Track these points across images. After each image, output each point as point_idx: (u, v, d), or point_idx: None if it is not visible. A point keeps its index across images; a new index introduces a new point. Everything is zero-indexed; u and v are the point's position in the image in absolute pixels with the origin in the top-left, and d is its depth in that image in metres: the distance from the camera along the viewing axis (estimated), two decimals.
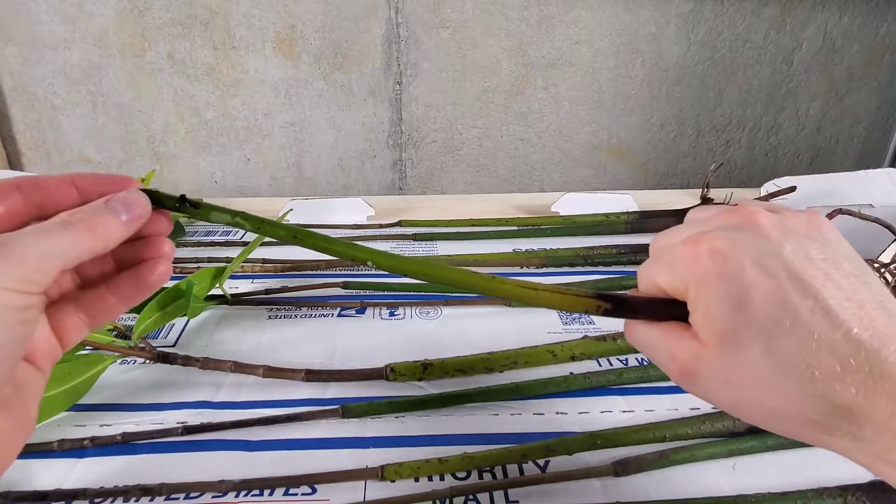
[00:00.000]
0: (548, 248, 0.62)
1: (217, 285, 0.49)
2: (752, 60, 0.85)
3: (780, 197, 0.64)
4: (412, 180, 0.89)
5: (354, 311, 0.51)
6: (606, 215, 0.69)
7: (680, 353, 0.22)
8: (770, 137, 0.92)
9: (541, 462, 0.35)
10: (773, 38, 0.84)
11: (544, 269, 0.59)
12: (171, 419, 0.38)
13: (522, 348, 0.44)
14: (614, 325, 0.47)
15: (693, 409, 0.39)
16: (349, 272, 0.58)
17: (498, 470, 0.35)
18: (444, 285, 0.25)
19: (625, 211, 0.70)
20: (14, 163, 0.83)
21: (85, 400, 0.39)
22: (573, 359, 0.44)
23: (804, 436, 0.21)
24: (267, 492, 0.33)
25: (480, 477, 0.34)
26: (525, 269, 0.59)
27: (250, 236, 0.66)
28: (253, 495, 0.33)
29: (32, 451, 0.36)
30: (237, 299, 0.51)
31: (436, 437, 0.37)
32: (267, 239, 0.52)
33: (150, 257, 0.23)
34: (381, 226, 0.68)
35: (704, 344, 0.21)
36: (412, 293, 0.53)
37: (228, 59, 0.79)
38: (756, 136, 0.91)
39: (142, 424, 0.38)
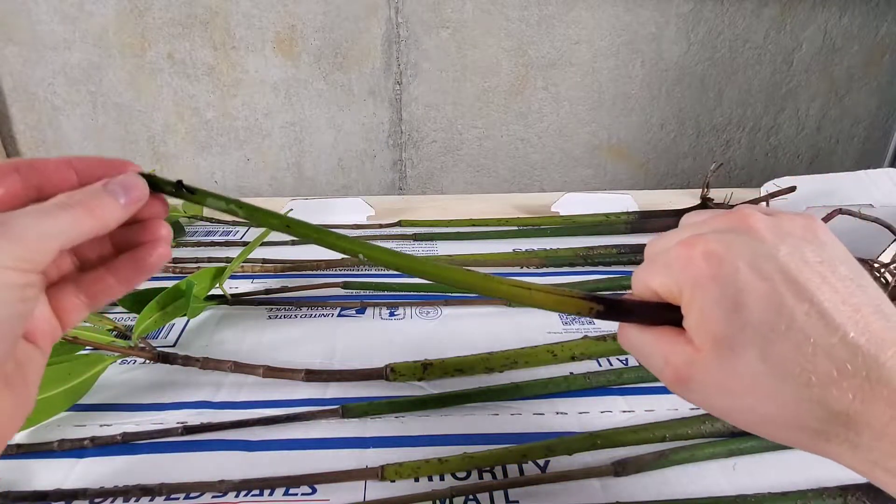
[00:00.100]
0: (548, 248, 0.62)
1: (217, 285, 0.49)
2: (752, 60, 0.85)
3: (780, 197, 0.64)
4: (412, 180, 0.89)
5: (354, 311, 0.51)
6: (606, 215, 0.69)
7: (674, 358, 0.22)
8: (770, 137, 0.92)
9: (541, 462, 0.35)
10: (773, 38, 0.84)
11: (544, 269, 0.59)
12: (171, 419, 0.38)
13: (522, 348, 0.44)
14: (614, 325, 0.47)
15: (693, 409, 0.39)
16: (349, 272, 0.58)
17: (498, 470, 0.35)
18: (436, 282, 0.25)
19: (625, 211, 0.70)
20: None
21: (85, 400, 0.39)
22: (573, 359, 0.44)
23: (800, 443, 0.20)
24: (267, 492, 0.33)
25: (480, 477, 0.34)
26: (525, 269, 0.59)
27: (250, 236, 0.66)
28: (253, 495, 0.33)
29: (32, 451, 0.36)
30: (237, 299, 0.51)
31: (436, 437, 0.37)
32: (267, 239, 0.52)
33: (148, 240, 0.24)
34: (381, 226, 0.68)
35: (699, 349, 0.21)
36: (412, 293, 0.53)
37: (228, 59, 0.79)
38: (756, 136, 0.91)
39: (142, 424, 0.38)
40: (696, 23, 0.82)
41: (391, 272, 0.58)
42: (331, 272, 0.58)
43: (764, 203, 0.65)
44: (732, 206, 0.65)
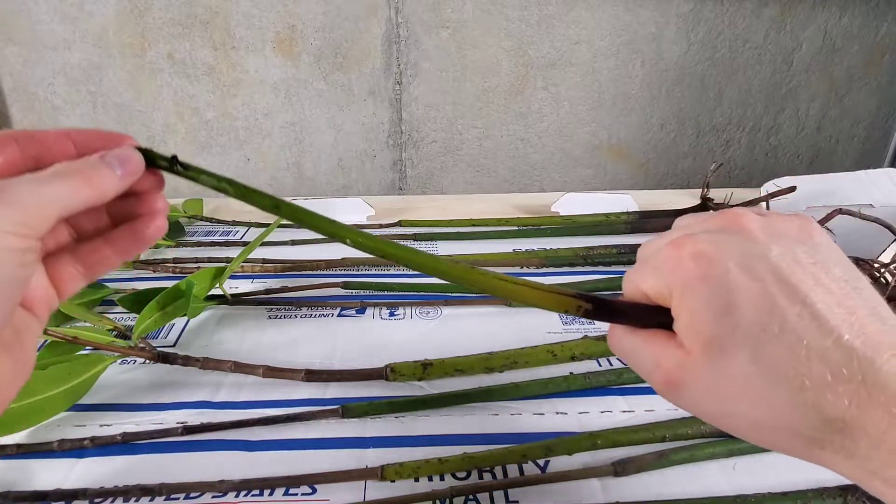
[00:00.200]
0: (548, 248, 0.62)
1: (217, 285, 0.49)
2: (752, 60, 0.85)
3: (780, 197, 0.64)
4: (412, 180, 0.89)
5: (354, 311, 0.51)
6: (606, 215, 0.69)
7: (664, 362, 0.21)
8: (770, 137, 0.92)
9: (541, 462, 0.35)
10: (773, 38, 0.84)
11: (544, 269, 0.59)
12: (171, 419, 0.38)
13: (522, 348, 0.44)
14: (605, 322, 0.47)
15: None
16: (349, 272, 0.58)
17: (498, 470, 0.35)
18: (419, 271, 0.24)
19: (625, 211, 0.70)
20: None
21: (85, 400, 0.39)
22: (573, 359, 0.44)
23: (794, 450, 0.20)
24: (267, 492, 0.33)
25: (480, 477, 0.34)
26: (525, 269, 0.59)
27: (250, 236, 0.66)
28: (253, 495, 0.33)
29: (32, 451, 0.36)
30: (237, 299, 0.51)
31: (436, 437, 0.37)
32: (267, 239, 0.52)
33: (146, 212, 0.24)
34: (381, 226, 0.68)
35: (689, 351, 0.21)
36: (412, 293, 0.53)
37: (228, 59, 0.79)
38: (756, 136, 0.91)
39: (142, 424, 0.38)
40: (696, 23, 0.82)
41: (391, 272, 0.58)
42: (331, 272, 0.58)
43: (763, 203, 0.65)
44: (733, 207, 0.65)
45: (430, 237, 0.65)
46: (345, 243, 0.24)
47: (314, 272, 0.57)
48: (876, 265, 0.51)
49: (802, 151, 0.93)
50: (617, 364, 0.44)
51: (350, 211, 0.70)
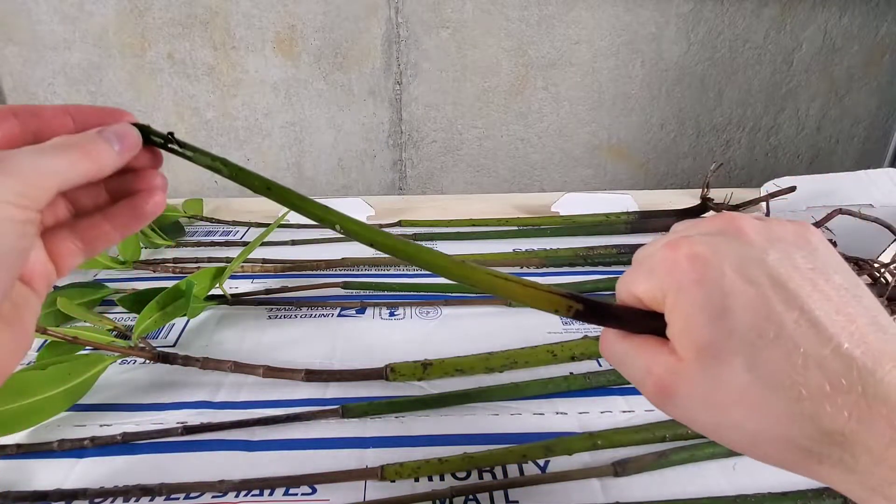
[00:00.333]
0: (548, 248, 0.62)
1: (217, 285, 0.49)
2: (752, 60, 0.85)
3: (780, 197, 0.64)
4: (412, 180, 0.89)
5: (354, 311, 0.51)
6: (606, 215, 0.69)
7: (656, 368, 0.21)
8: (770, 137, 0.92)
9: (541, 462, 0.35)
10: (773, 38, 0.84)
11: (544, 269, 0.59)
12: (171, 419, 0.38)
13: (522, 348, 0.44)
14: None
15: None
16: (349, 272, 0.58)
17: (498, 470, 0.35)
18: (408, 261, 0.24)
19: (625, 211, 0.70)
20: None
21: (85, 400, 0.39)
22: (573, 359, 0.44)
23: (790, 463, 0.19)
24: (267, 492, 0.33)
25: (480, 477, 0.34)
26: (525, 269, 0.59)
27: (250, 236, 0.66)
28: (253, 495, 0.33)
29: (32, 451, 0.36)
30: (237, 299, 0.51)
31: (436, 437, 0.37)
32: (267, 239, 0.52)
33: (145, 188, 0.24)
34: (381, 226, 0.67)
35: (682, 358, 0.20)
36: (412, 293, 0.53)
37: (228, 59, 0.79)
38: (756, 136, 0.91)
39: (142, 424, 0.38)
40: (696, 23, 0.82)
41: (391, 272, 0.58)
42: (331, 272, 0.58)
43: (763, 203, 0.65)
44: (733, 207, 0.65)
45: (430, 237, 0.65)
46: (333, 229, 0.24)
47: (314, 272, 0.57)
48: (876, 265, 0.51)
49: (802, 151, 0.93)
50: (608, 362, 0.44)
51: (350, 211, 0.69)
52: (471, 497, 0.33)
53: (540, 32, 0.81)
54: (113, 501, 0.32)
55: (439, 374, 0.42)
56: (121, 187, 0.24)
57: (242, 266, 0.57)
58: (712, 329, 0.19)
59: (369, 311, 0.51)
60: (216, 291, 0.49)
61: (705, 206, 0.67)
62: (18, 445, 0.36)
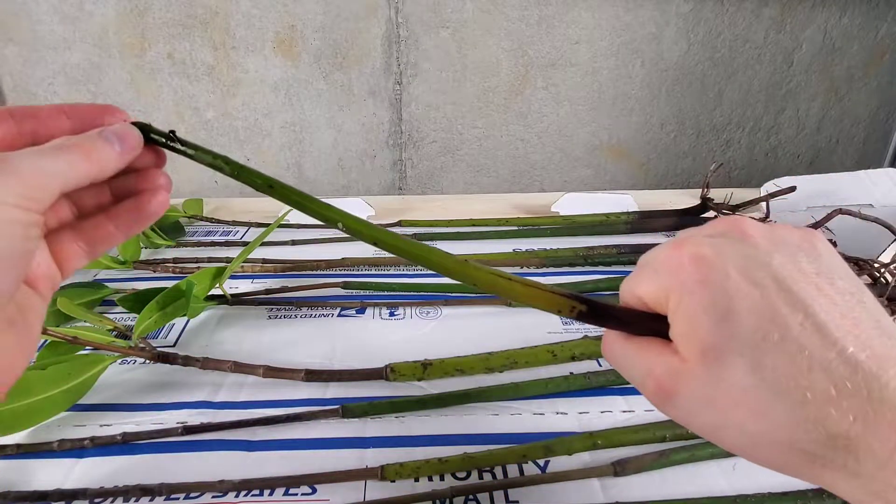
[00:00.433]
0: (548, 248, 0.62)
1: (217, 285, 0.49)
2: (752, 60, 0.85)
3: (780, 197, 0.64)
4: (412, 180, 0.89)
5: (354, 311, 0.51)
6: (606, 215, 0.69)
7: (657, 370, 0.21)
8: (770, 137, 0.92)
9: (541, 462, 0.35)
10: (773, 38, 0.84)
11: (544, 269, 0.59)
12: (171, 419, 0.38)
13: (522, 348, 0.44)
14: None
15: None
16: (349, 272, 0.58)
17: (498, 470, 0.35)
18: (414, 261, 0.24)
19: (625, 211, 0.70)
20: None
21: (85, 400, 0.39)
22: (573, 359, 0.44)
23: (793, 468, 0.19)
24: (267, 492, 0.33)
25: (480, 477, 0.34)
26: (525, 269, 0.59)
27: (250, 236, 0.66)
28: (253, 495, 0.33)
29: (32, 451, 0.36)
30: (237, 299, 0.51)
31: (436, 437, 0.37)
32: (267, 239, 0.52)
33: (148, 188, 0.24)
34: (381, 226, 0.68)
35: (685, 359, 0.20)
36: (412, 293, 0.53)
37: (228, 59, 0.79)
38: (756, 136, 0.91)
39: (142, 424, 0.38)
40: (696, 23, 0.82)
41: (391, 272, 0.58)
42: (331, 272, 0.58)
43: (763, 203, 0.65)
44: (733, 207, 0.65)
45: (430, 237, 0.65)
46: (336, 227, 0.24)
47: (314, 272, 0.57)
48: (876, 265, 0.51)
49: (802, 151, 0.93)
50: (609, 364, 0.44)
51: (350, 211, 0.69)
52: (471, 497, 0.33)
53: (540, 32, 0.81)
54: (113, 501, 0.32)
55: (439, 374, 0.42)
56: (124, 187, 0.24)
57: (242, 266, 0.57)
58: (716, 330, 0.19)
59: (369, 311, 0.51)
60: (216, 291, 0.49)
61: (705, 206, 0.67)
62: (18, 445, 0.36)
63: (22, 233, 0.19)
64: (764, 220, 0.63)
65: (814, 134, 0.92)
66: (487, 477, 0.34)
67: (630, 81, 0.85)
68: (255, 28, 0.78)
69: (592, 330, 0.47)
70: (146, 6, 0.76)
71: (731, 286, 0.19)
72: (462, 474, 0.35)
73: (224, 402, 0.40)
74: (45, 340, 0.41)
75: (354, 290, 0.54)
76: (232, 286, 0.54)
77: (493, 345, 0.45)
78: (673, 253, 0.21)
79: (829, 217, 0.55)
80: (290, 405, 0.40)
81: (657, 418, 0.38)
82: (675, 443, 0.36)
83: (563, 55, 0.82)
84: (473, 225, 0.68)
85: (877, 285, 0.51)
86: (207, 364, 0.41)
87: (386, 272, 0.58)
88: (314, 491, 0.33)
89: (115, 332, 0.44)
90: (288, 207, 0.24)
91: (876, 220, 0.53)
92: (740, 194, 0.69)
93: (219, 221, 0.69)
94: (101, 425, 0.38)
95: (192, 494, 0.33)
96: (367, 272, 0.58)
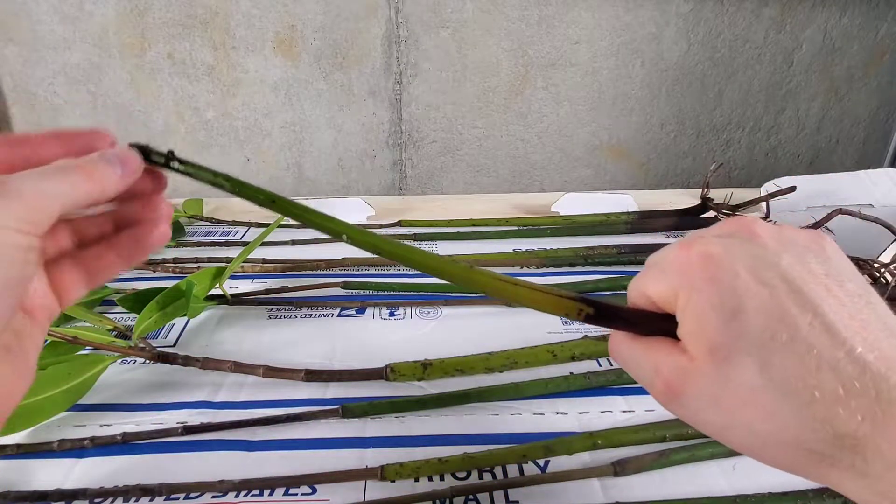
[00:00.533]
0: (548, 248, 0.62)
1: (217, 285, 0.49)
2: (752, 60, 0.85)
3: (780, 197, 0.64)
4: (412, 180, 0.89)
5: (354, 311, 0.51)
6: (606, 215, 0.69)
7: (665, 368, 0.21)
8: (770, 137, 0.92)
9: (541, 462, 0.35)
10: (773, 38, 0.84)
11: (544, 269, 0.59)
12: (171, 419, 0.38)
13: (522, 348, 0.44)
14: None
15: None
16: (349, 272, 0.58)
17: (498, 470, 0.35)
18: (419, 270, 0.24)
19: (625, 211, 0.70)
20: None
21: (85, 400, 0.39)
22: (573, 359, 0.44)
23: (800, 467, 0.19)
24: (267, 492, 0.33)
25: (480, 477, 0.34)
26: (525, 269, 0.59)
27: (250, 236, 0.66)
28: (253, 495, 0.33)
29: (32, 451, 0.36)
30: (237, 299, 0.51)
31: (436, 437, 0.37)
32: (267, 239, 0.52)
33: (150, 217, 0.24)
34: (381, 226, 0.68)
35: (693, 358, 0.20)
36: (412, 293, 0.53)
37: (228, 59, 0.79)
38: (756, 136, 0.91)
39: (142, 424, 0.38)
40: (696, 23, 0.82)
41: (391, 272, 0.58)
42: (331, 272, 0.58)
43: (763, 203, 0.65)
44: (733, 207, 0.65)
45: (430, 237, 0.65)
46: (342, 239, 0.23)
47: (314, 272, 0.57)
48: (876, 265, 0.51)
49: (802, 151, 0.93)
50: (617, 364, 0.44)
51: (350, 211, 0.70)
52: (471, 497, 0.33)
53: (540, 32, 0.81)
54: (113, 501, 0.32)
55: (439, 374, 0.42)
56: (126, 215, 0.24)
57: (242, 266, 0.57)
58: (724, 329, 0.19)
59: (369, 311, 0.51)
60: (216, 291, 0.49)
61: (705, 206, 0.67)
62: (18, 445, 0.36)
63: (21, 257, 0.19)
64: (765, 220, 0.63)
65: (814, 134, 0.92)
66: (487, 477, 0.34)
67: (630, 81, 0.85)
68: (255, 28, 0.78)
69: (592, 330, 0.47)
70: (146, 6, 0.76)
71: (740, 285, 0.19)
72: (462, 474, 0.34)
73: (224, 402, 0.40)
74: (46, 340, 0.41)
75: (354, 290, 0.54)
76: (232, 286, 0.54)
77: (493, 345, 0.45)
78: (682, 252, 0.21)
79: (829, 217, 0.55)
80: (290, 405, 0.40)
81: (657, 418, 0.38)
82: (675, 443, 0.36)
83: (563, 55, 0.82)
84: (473, 225, 0.68)
85: (877, 285, 0.51)
86: (207, 364, 0.41)
87: (386, 272, 0.58)
88: (314, 491, 0.33)
89: (115, 332, 0.44)
90: None
91: (876, 220, 0.53)
92: (740, 194, 0.69)
93: (219, 221, 0.69)
94: (101, 425, 0.38)
95: (192, 494, 0.33)
96: (367, 272, 0.58)
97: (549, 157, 0.90)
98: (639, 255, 0.60)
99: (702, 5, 0.81)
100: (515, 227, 0.67)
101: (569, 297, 0.23)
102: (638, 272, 0.23)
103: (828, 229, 0.54)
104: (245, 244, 0.62)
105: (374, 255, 0.24)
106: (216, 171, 0.23)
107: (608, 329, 0.24)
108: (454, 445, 0.36)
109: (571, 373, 0.43)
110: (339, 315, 0.50)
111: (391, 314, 0.51)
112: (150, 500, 0.32)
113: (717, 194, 0.68)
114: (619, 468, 0.34)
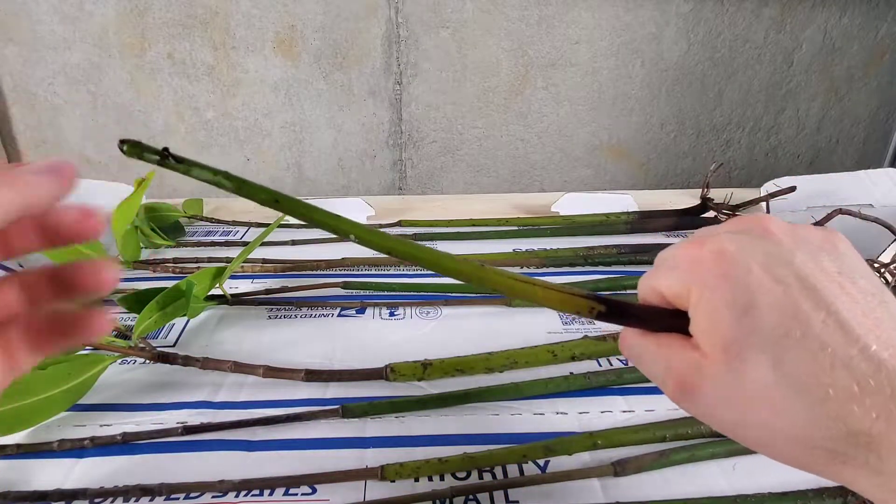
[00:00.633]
0: (548, 248, 0.62)
1: (217, 285, 0.49)
2: (752, 60, 0.85)
3: (780, 197, 0.64)
4: (412, 180, 0.89)
5: (354, 311, 0.51)
6: (606, 215, 0.69)
7: (677, 365, 0.21)
8: (770, 137, 0.92)
9: (541, 462, 0.35)
10: (773, 38, 0.84)
11: (544, 269, 0.59)
12: (171, 419, 0.38)
13: (522, 348, 0.44)
14: (615, 324, 0.47)
15: None
16: (349, 272, 0.58)
17: (498, 470, 0.35)
18: (431, 269, 0.23)
19: (625, 211, 0.70)
20: (14, 163, 0.83)
21: (85, 400, 0.39)
22: (573, 359, 0.44)
23: (813, 465, 0.19)
24: (267, 492, 0.33)
25: (480, 477, 0.34)
26: (525, 269, 0.59)
27: (250, 236, 0.66)
28: (253, 495, 0.33)
29: (32, 451, 0.36)
30: (237, 299, 0.51)
31: (436, 437, 0.37)
32: (267, 239, 0.52)
33: (89, 314, 0.21)
34: (381, 226, 0.68)
35: (705, 354, 0.20)
36: (412, 293, 0.53)
37: (228, 59, 0.79)
38: (756, 136, 0.91)
39: (142, 424, 0.38)
40: (696, 23, 0.82)
41: (391, 272, 0.58)
42: (331, 272, 0.58)
43: (763, 203, 0.65)
44: (733, 207, 0.65)
45: (431, 237, 0.65)
46: (349, 239, 0.23)
47: (314, 272, 0.57)
48: (876, 265, 0.51)
49: (802, 151, 0.93)
50: (617, 364, 0.44)
51: (350, 211, 0.70)
52: (471, 497, 0.33)
53: (540, 32, 0.81)
54: (113, 501, 0.32)
55: (439, 374, 0.42)
56: (72, 284, 0.21)
57: (242, 266, 0.57)
58: (738, 326, 0.19)
59: (369, 311, 0.51)
60: (216, 291, 0.49)
61: (705, 206, 0.67)
62: (18, 445, 0.36)
63: None
64: None
65: (814, 134, 0.92)
66: (487, 477, 0.34)
67: (630, 81, 0.85)
68: (255, 28, 0.78)
69: (592, 330, 0.47)
70: (146, 6, 0.76)
71: (753, 282, 0.19)
72: (462, 474, 0.34)
73: (224, 402, 0.40)
74: None
75: (354, 290, 0.54)
76: (232, 286, 0.54)
77: (493, 345, 0.45)
78: (694, 248, 0.21)
79: (829, 217, 0.55)
80: (290, 405, 0.40)
81: (657, 418, 0.38)
82: (675, 443, 0.36)
83: (563, 55, 0.82)
84: (473, 225, 0.68)
85: None
86: (207, 364, 0.41)
87: (386, 272, 0.58)
88: (314, 491, 0.33)
89: (115, 332, 0.44)
90: None
91: (876, 220, 0.53)
92: (740, 194, 0.69)
93: (219, 221, 0.69)
94: (101, 425, 0.38)
95: (192, 494, 0.33)
96: (367, 272, 0.58)
97: (549, 157, 0.90)
98: (639, 255, 0.60)
99: (702, 5, 0.81)
100: (515, 227, 0.67)
101: (581, 294, 0.23)
102: (638, 272, 0.23)
103: None
104: (245, 244, 0.62)
105: (384, 254, 0.23)
106: (215, 169, 0.23)
107: (613, 328, 0.24)
108: (454, 445, 0.36)
109: (571, 373, 0.43)
110: (339, 315, 0.50)
111: (391, 314, 0.51)
112: (150, 500, 0.32)
113: (717, 194, 0.68)
114: (619, 468, 0.34)
